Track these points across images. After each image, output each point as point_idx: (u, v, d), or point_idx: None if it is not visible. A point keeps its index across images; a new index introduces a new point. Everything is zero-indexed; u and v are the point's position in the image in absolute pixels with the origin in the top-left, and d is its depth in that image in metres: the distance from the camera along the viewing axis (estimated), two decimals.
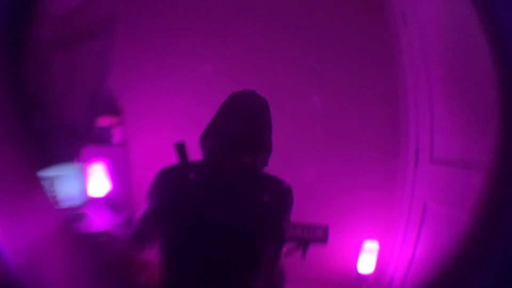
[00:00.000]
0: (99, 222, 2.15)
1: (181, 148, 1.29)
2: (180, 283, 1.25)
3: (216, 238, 1.21)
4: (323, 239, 1.89)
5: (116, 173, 2.45)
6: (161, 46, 2.45)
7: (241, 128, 1.27)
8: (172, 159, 1.29)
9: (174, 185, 1.28)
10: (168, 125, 2.37)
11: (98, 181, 2.37)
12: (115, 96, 2.54)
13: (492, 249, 0.85)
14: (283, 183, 1.29)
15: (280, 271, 1.37)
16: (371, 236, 2.34)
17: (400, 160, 2.26)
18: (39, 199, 1.04)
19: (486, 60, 0.91)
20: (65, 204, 2.16)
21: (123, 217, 2.24)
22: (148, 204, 1.29)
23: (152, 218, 1.28)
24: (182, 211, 1.25)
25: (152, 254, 1.30)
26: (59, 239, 1.04)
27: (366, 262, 2.27)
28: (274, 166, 1.36)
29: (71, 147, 2.34)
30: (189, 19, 2.43)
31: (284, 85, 2.33)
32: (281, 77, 2.34)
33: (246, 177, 1.29)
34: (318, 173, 2.32)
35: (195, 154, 1.32)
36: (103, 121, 2.52)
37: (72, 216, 2.12)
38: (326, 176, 2.36)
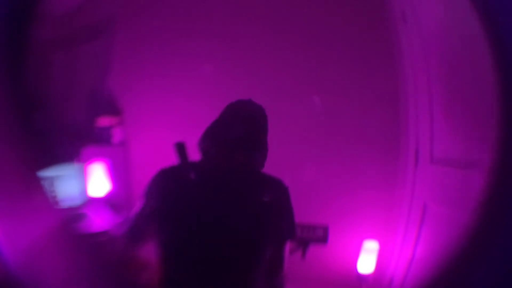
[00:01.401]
0: (99, 222, 2.15)
1: (181, 148, 1.29)
2: (180, 283, 1.25)
3: (216, 238, 1.21)
4: (323, 239, 1.89)
5: (116, 173, 2.45)
6: (161, 46, 2.45)
7: (239, 130, 1.30)
8: (172, 159, 1.29)
9: (173, 185, 1.28)
10: (168, 125, 2.37)
11: (98, 181, 2.37)
12: (115, 96, 2.54)
13: (492, 249, 0.85)
14: (281, 182, 1.29)
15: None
16: (371, 236, 2.34)
17: (400, 160, 2.26)
18: (39, 199, 1.04)
19: (486, 60, 0.91)
20: (65, 204, 2.16)
21: (123, 217, 2.24)
22: (143, 202, 1.29)
23: (146, 217, 1.28)
24: (181, 211, 1.25)
25: (152, 254, 1.30)
26: (59, 239, 1.04)
27: (366, 262, 2.27)
28: (274, 166, 1.36)
29: (71, 147, 2.34)
30: (189, 19, 2.43)
31: (284, 85, 2.33)
32: (281, 77, 2.34)
33: (245, 177, 1.29)
34: (318, 173, 2.32)
35: (195, 154, 1.32)
36: (103, 121, 2.52)
37: (72, 216, 2.12)
38: (326, 176, 2.36)
